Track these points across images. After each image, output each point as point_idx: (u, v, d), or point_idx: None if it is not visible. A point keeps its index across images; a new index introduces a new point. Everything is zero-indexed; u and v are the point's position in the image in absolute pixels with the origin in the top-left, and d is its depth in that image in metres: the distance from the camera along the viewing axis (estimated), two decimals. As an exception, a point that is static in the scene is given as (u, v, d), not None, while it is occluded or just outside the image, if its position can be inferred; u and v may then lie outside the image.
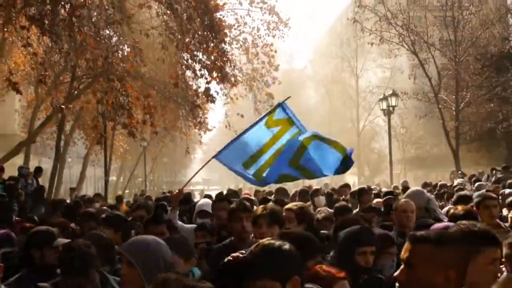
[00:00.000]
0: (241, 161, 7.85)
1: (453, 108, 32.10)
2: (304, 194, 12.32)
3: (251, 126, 7.99)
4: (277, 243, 3.31)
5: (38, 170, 19.33)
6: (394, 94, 30.65)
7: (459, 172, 26.63)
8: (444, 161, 38.86)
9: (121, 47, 22.95)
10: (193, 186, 56.38)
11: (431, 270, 2.88)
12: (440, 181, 21.51)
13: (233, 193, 15.08)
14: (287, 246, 3.23)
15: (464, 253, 3.08)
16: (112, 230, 6.56)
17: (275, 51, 27.62)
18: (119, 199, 21.65)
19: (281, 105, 8.11)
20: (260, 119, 8.06)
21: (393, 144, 33.39)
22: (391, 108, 30.48)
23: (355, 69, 62.28)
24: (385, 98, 31.06)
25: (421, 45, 32.46)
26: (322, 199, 11.08)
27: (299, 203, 7.93)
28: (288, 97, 8.42)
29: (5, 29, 18.80)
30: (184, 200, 10.76)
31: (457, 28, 32.02)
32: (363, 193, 10.28)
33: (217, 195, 12.80)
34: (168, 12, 21.02)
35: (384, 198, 10.00)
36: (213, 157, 8.11)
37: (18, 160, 27.60)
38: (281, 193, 14.19)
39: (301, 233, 4.85)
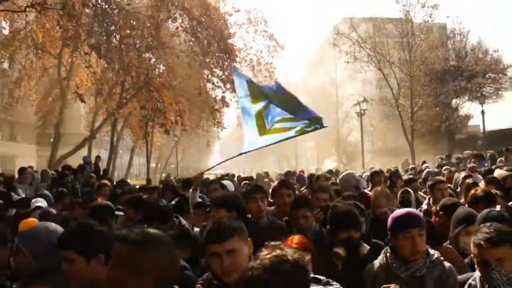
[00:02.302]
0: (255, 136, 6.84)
1: (409, 111, 32.31)
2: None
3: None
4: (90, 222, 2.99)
5: (98, 157, 19.59)
6: (365, 100, 30.97)
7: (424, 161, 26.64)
8: (403, 151, 38.96)
9: (157, 66, 23.21)
10: (213, 171, 56.32)
11: (126, 273, 2.07)
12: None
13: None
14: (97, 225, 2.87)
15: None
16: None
17: (274, 68, 27.78)
18: (148, 181, 21.66)
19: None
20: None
21: (364, 139, 33.66)
22: (362, 111, 30.77)
23: (335, 82, 62.25)
24: (358, 103, 31.36)
25: (385, 63, 32.69)
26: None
27: None
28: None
29: (73, 55, 19.14)
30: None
31: (411, 50, 32.23)
32: (374, 175, 8.54)
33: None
34: (193, 39, 21.28)
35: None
36: (240, 154, 7.09)
37: (83, 151, 27.99)
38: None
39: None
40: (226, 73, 21.43)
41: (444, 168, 15.32)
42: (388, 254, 3.43)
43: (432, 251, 3.39)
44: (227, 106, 22.84)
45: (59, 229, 3.21)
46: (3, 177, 12.07)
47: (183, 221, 5.04)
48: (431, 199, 6.56)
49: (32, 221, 5.17)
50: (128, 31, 17.19)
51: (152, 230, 2.28)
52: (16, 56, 25.26)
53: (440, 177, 7.94)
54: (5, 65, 30.95)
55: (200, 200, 6.69)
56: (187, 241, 4.11)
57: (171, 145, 45.22)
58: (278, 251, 2.07)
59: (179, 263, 2.31)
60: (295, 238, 3.55)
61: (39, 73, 26.89)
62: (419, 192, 8.02)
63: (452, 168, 14.54)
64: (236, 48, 23.56)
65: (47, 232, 3.12)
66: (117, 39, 17.75)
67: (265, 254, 2.07)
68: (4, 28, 26.17)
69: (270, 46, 27.10)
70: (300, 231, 4.39)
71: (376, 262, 3.50)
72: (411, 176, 9.69)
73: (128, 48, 17.40)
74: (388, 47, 33.20)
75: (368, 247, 3.87)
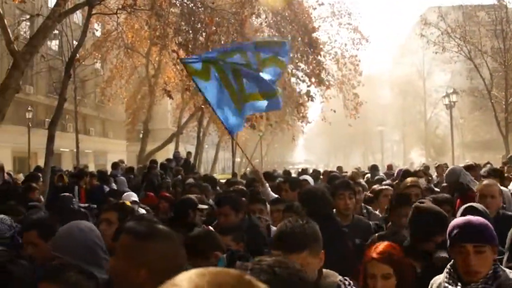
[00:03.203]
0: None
1: (503, 102, 30.66)
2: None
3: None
4: None
5: (189, 154, 19.98)
6: (455, 92, 29.80)
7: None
8: (495, 145, 37.32)
9: (242, 62, 23.37)
10: (296, 166, 56.27)
11: (127, 263, 2.08)
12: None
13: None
14: None
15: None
16: None
17: (359, 61, 27.36)
18: (234, 175, 21.77)
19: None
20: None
21: (454, 132, 32.39)
22: (452, 103, 29.65)
23: (423, 73, 60.65)
24: (447, 95, 30.27)
25: (476, 53, 31.15)
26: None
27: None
28: None
29: (161, 53, 19.70)
30: None
31: (506, 38, 30.51)
32: (469, 171, 7.81)
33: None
34: (277, 34, 21.28)
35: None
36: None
37: (171, 146, 28.82)
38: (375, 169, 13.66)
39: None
40: (311, 67, 21.29)
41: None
42: (447, 270, 2.84)
43: (508, 272, 2.71)
44: (312, 100, 22.69)
45: (93, 227, 3.20)
46: (98, 171, 12.59)
47: (253, 217, 4.87)
48: None
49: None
50: (214, 28, 17.42)
51: (159, 225, 2.27)
52: (108, 56, 26.42)
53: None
54: (97, 65, 32.41)
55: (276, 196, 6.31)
56: (242, 235, 4.04)
57: (256, 139, 45.63)
58: (280, 258, 1.93)
59: (182, 259, 2.18)
60: (380, 246, 2.94)
61: (129, 72, 27.98)
62: None
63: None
64: (320, 41, 23.33)
65: (79, 231, 3.00)
66: (204, 36, 18.05)
67: (266, 258, 1.93)
68: (97, 30, 27.39)
69: (355, 38, 26.71)
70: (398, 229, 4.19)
71: (439, 277, 2.91)
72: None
73: (214, 44, 17.62)
74: (480, 36, 31.51)
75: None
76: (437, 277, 2.94)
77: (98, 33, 27.81)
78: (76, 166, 22.76)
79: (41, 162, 21.95)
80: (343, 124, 36.99)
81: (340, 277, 2.60)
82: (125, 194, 7.25)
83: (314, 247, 2.49)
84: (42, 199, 9.20)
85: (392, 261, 2.86)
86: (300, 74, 22.35)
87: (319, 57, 21.57)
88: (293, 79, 23.68)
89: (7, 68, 13.31)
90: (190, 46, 16.65)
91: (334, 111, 25.24)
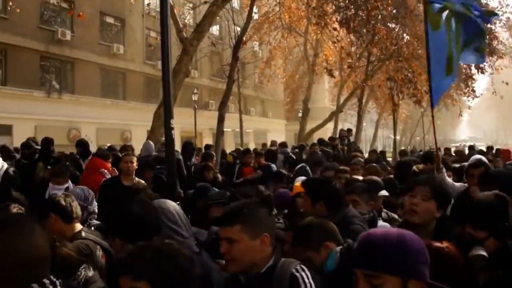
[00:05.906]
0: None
1: None
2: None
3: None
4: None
5: (350, 131, 19.97)
6: None
7: None
8: None
9: (404, 35, 22.81)
10: (463, 143, 53.44)
11: None
12: None
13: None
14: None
15: None
16: None
17: (536, 26, 25.24)
18: (403, 152, 21.26)
19: None
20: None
21: None
22: None
23: None
24: None
25: None
26: None
27: None
28: None
29: (322, 32, 19.97)
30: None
31: None
32: None
33: None
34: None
35: None
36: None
37: (329, 125, 29.04)
38: None
39: None
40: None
41: None
42: None
43: None
44: (483, 72, 21.45)
45: (174, 206, 3.24)
46: (266, 151, 13.07)
47: (349, 208, 4.11)
48: None
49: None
50: (376, 3, 17.17)
51: (11, 212, 2.15)
52: (266, 37, 27.35)
53: None
54: (256, 47, 33.64)
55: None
56: None
57: (417, 116, 44.24)
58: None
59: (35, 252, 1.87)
60: None
61: (287, 52, 28.68)
62: None
63: None
64: (489, 6, 21.91)
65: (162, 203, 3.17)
66: (364, 12, 17.89)
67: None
68: (256, 13, 28.43)
69: (530, 2, 24.61)
70: None
71: None
72: None
73: (375, 20, 17.43)
74: None
75: None
76: None
77: (255, 16, 28.85)
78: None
79: (206, 141, 23.51)
80: (516, 97, 34.38)
81: (297, 264, 2.40)
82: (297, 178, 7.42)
83: (250, 226, 2.40)
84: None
85: None
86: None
87: (489, 25, 20.28)
88: (459, 51, 22.52)
89: (177, 54, 14.38)
90: (351, 23, 16.61)
91: (506, 83, 23.60)
